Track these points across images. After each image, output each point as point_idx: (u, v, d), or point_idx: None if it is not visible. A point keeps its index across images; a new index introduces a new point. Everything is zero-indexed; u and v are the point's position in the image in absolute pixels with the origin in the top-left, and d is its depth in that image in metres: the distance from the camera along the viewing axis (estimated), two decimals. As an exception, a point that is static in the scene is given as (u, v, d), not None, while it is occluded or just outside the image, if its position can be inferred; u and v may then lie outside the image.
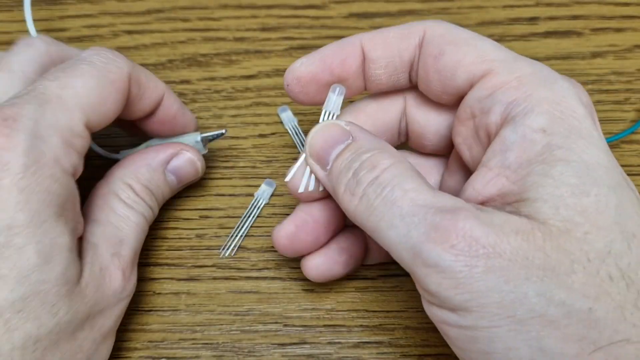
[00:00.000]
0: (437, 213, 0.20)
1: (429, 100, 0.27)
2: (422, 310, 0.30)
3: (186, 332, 0.29)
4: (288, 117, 0.35)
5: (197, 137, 0.31)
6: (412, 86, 0.27)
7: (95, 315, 0.25)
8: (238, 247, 0.31)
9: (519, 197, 0.21)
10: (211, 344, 0.29)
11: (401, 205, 0.21)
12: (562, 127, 0.21)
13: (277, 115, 0.36)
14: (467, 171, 0.26)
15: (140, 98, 0.28)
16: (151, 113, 0.30)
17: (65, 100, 0.24)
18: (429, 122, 0.27)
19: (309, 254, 0.28)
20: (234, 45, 0.38)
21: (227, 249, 0.31)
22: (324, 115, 0.26)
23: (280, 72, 0.37)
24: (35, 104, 0.23)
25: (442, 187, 0.28)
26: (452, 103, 0.25)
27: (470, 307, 0.20)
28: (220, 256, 0.31)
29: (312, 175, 0.26)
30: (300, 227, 0.27)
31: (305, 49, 0.38)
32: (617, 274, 0.19)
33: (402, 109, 0.28)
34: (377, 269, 0.31)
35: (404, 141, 0.29)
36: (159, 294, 0.30)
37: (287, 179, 0.26)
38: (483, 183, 0.22)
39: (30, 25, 0.34)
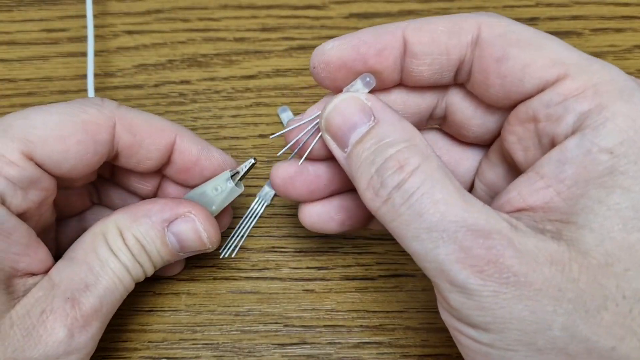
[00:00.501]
0: (468, 234, 0.19)
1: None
2: (423, 311, 0.30)
3: (186, 332, 0.29)
4: (288, 118, 0.35)
5: (227, 175, 0.27)
6: (455, 84, 0.24)
7: None
8: (239, 248, 0.31)
9: (565, 217, 0.20)
10: (211, 344, 0.29)
11: (430, 218, 0.20)
12: (632, 150, 0.19)
13: (277, 115, 0.36)
14: (510, 167, 0.24)
15: (139, 146, 0.26)
16: (167, 161, 0.27)
17: (11, 128, 0.23)
18: (476, 115, 0.24)
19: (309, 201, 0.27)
20: (234, 46, 0.38)
21: (228, 250, 0.31)
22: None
23: (280, 72, 0.37)
24: None
25: (479, 177, 0.26)
26: (511, 106, 0.23)
27: (490, 328, 0.20)
28: (221, 257, 0.31)
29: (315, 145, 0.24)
30: (299, 174, 0.25)
31: (305, 49, 0.38)
32: None
33: (441, 96, 0.25)
34: (377, 269, 0.31)
35: (436, 125, 0.27)
36: (159, 294, 0.30)
37: (273, 136, 0.25)
38: (530, 190, 0.21)
39: (90, 85, 0.34)
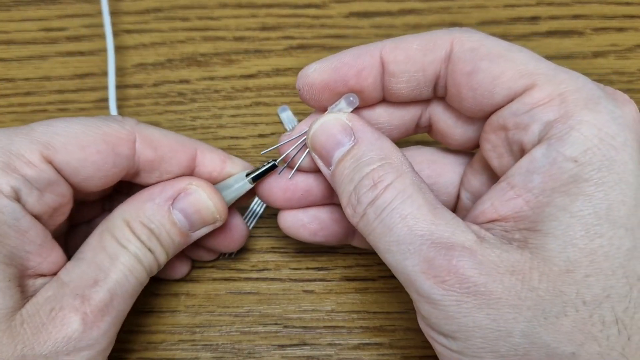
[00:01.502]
0: (432, 247, 0.20)
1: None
2: (423, 312, 0.30)
3: (186, 333, 0.29)
4: (288, 117, 0.35)
5: (242, 175, 0.27)
6: (436, 97, 0.25)
7: None
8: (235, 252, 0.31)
9: (532, 225, 0.21)
10: (211, 345, 0.29)
11: (398, 232, 0.21)
12: (597, 158, 0.20)
13: (277, 115, 0.35)
14: (492, 174, 0.25)
15: (160, 161, 0.26)
16: (189, 173, 0.27)
17: (34, 132, 0.23)
18: (457, 124, 0.26)
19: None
20: (234, 45, 0.38)
21: (225, 254, 0.31)
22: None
23: (280, 71, 0.37)
24: (4, 131, 0.23)
25: (464, 185, 0.27)
26: (485, 117, 0.24)
27: (457, 337, 0.21)
28: (221, 258, 0.31)
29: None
30: (274, 183, 0.27)
31: (305, 48, 0.38)
32: (610, 319, 0.19)
33: (424, 108, 0.26)
34: (378, 270, 0.31)
35: (425, 132, 0.28)
36: (158, 294, 0.30)
37: (264, 152, 0.27)
38: (502, 201, 0.22)
39: (112, 104, 0.34)
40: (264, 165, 0.26)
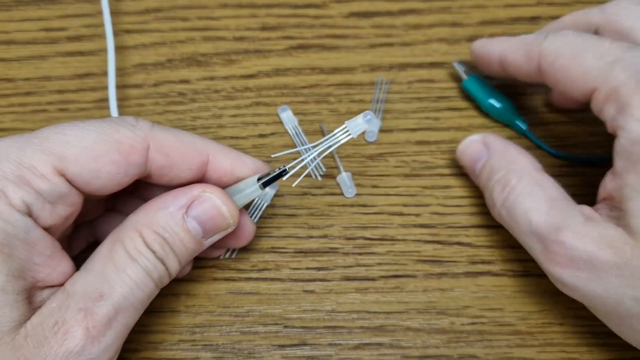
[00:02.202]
0: (546, 234, 0.25)
1: None
2: (424, 312, 0.30)
3: (186, 333, 0.29)
4: (288, 117, 0.35)
5: (254, 180, 0.27)
6: None
7: None
8: (239, 249, 0.31)
9: (619, 205, 0.24)
10: (211, 345, 0.29)
11: (522, 224, 0.26)
12: None
13: (277, 115, 0.35)
14: None
15: (172, 167, 0.25)
16: (200, 176, 0.27)
17: (46, 142, 0.23)
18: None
19: None
20: (234, 45, 0.38)
21: (228, 251, 0.31)
22: (342, 129, 0.26)
23: (280, 71, 0.37)
24: (15, 141, 0.23)
25: None
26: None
27: (590, 306, 0.26)
28: (221, 257, 0.31)
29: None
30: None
31: (305, 48, 0.38)
32: None
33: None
34: (378, 270, 0.31)
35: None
36: (158, 294, 0.30)
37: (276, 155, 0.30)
38: (605, 182, 0.26)
39: (113, 104, 0.34)
40: (275, 172, 0.26)
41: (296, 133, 0.35)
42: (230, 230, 0.26)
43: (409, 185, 0.33)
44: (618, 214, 0.24)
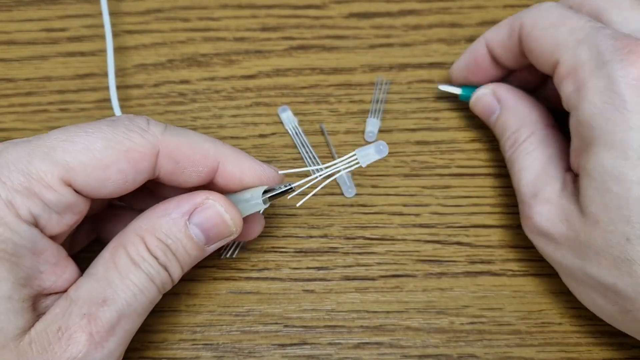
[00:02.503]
0: (527, 196, 0.28)
1: None
2: (423, 311, 0.30)
3: (186, 332, 0.29)
4: (288, 117, 0.35)
5: (261, 190, 0.26)
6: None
7: None
8: (239, 249, 0.31)
9: (578, 182, 0.26)
10: (211, 344, 0.29)
11: (515, 183, 0.29)
12: (602, 120, 0.24)
13: (277, 115, 0.35)
14: None
15: (180, 173, 0.25)
16: (208, 180, 0.26)
17: (54, 151, 0.23)
18: None
19: None
20: (234, 45, 0.38)
21: (229, 250, 0.31)
22: (351, 156, 0.26)
23: (280, 72, 0.37)
24: (22, 148, 0.23)
25: None
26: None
27: (553, 265, 0.28)
28: (222, 257, 0.31)
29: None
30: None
31: (306, 48, 0.38)
32: (635, 257, 0.24)
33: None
34: (378, 270, 0.31)
35: None
36: (158, 294, 0.30)
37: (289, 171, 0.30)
38: (572, 156, 0.27)
39: (115, 104, 0.34)
40: (281, 188, 0.26)
41: (296, 133, 0.35)
42: (233, 237, 0.26)
43: (408, 185, 0.33)
44: (578, 190, 0.26)
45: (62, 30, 0.38)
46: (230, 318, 0.30)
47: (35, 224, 0.22)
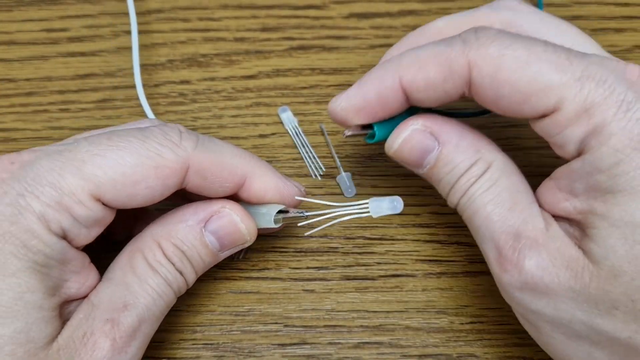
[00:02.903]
0: (502, 235, 0.23)
1: None
2: (423, 311, 0.30)
3: (186, 332, 0.29)
4: (288, 118, 0.35)
5: (277, 209, 0.27)
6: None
7: None
8: (247, 250, 0.31)
9: (582, 228, 0.22)
10: (211, 344, 0.29)
11: (478, 220, 0.24)
12: (630, 167, 0.20)
13: (277, 115, 0.36)
14: None
15: (207, 188, 0.25)
16: (232, 193, 0.26)
17: (84, 166, 0.23)
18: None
19: None
20: (234, 46, 0.38)
21: (241, 253, 0.31)
22: (363, 204, 0.26)
23: (280, 72, 0.37)
24: (54, 160, 0.23)
25: None
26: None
27: (527, 319, 0.24)
28: (234, 259, 0.31)
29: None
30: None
31: (306, 48, 0.38)
32: None
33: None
34: (378, 269, 0.31)
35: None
36: (159, 294, 0.30)
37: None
38: (554, 201, 0.23)
39: (146, 107, 0.34)
40: (295, 213, 0.27)
41: (296, 133, 0.35)
42: (247, 245, 0.27)
43: (408, 185, 0.33)
44: (579, 234, 0.22)
45: (63, 30, 0.38)
46: (231, 318, 0.30)
47: (65, 237, 0.23)
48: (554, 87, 0.21)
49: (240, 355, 0.29)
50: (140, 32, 0.38)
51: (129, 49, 0.38)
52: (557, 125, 0.22)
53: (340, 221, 0.26)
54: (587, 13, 0.39)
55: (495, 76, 0.22)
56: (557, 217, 0.23)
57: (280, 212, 0.27)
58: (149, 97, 0.36)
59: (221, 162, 0.25)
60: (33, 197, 0.22)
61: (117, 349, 0.23)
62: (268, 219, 0.27)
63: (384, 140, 0.26)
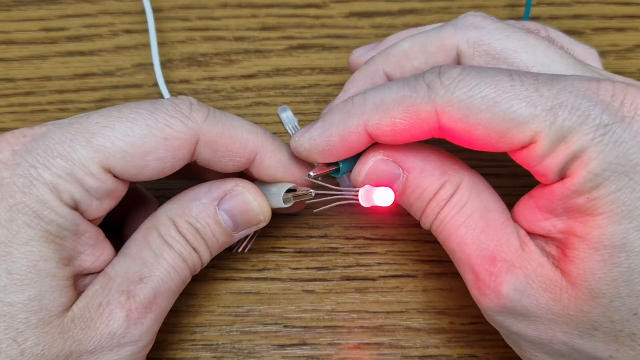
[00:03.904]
0: (477, 258, 0.23)
1: None
2: (423, 312, 0.30)
3: (186, 332, 0.29)
4: (288, 117, 0.35)
5: (286, 187, 0.26)
6: None
7: (83, 356, 0.23)
8: (253, 241, 0.31)
9: (561, 248, 0.22)
10: (211, 344, 0.29)
11: (452, 242, 0.24)
12: (609, 190, 0.20)
13: (277, 115, 0.35)
14: None
15: (217, 161, 0.25)
16: (244, 168, 0.27)
17: (95, 138, 0.23)
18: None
19: None
20: (234, 45, 0.38)
21: (241, 245, 0.31)
22: (354, 191, 0.26)
23: (280, 71, 0.37)
24: (64, 133, 0.23)
25: None
26: None
27: (509, 339, 0.24)
28: (234, 251, 0.31)
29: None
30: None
31: (305, 48, 0.38)
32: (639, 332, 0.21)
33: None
34: (378, 270, 0.31)
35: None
36: (158, 294, 0.30)
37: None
38: (533, 219, 0.23)
39: (163, 88, 0.34)
40: (302, 191, 0.27)
41: (296, 133, 0.35)
42: (261, 225, 0.27)
43: (408, 185, 0.33)
44: (557, 254, 0.22)
45: (62, 29, 0.38)
46: (230, 318, 0.30)
47: (76, 208, 0.23)
48: (527, 122, 0.21)
49: (240, 355, 0.29)
50: (139, 32, 0.38)
51: (128, 48, 0.38)
52: (536, 156, 0.22)
53: (346, 203, 0.26)
54: (588, 12, 0.39)
55: (467, 120, 0.22)
56: (533, 235, 0.23)
57: (289, 191, 0.27)
58: (148, 96, 0.36)
59: (232, 135, 0.25)
60: (44, 168, 0.22)
61: (132, 320, 0.23)
62: (278, 198, 0.26)
63: (350, 171, 0.26)
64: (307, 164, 0.27)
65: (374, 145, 0.25)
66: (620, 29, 0.38)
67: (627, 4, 0.39)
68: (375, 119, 0.23)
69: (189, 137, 0.24)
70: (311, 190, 0.27)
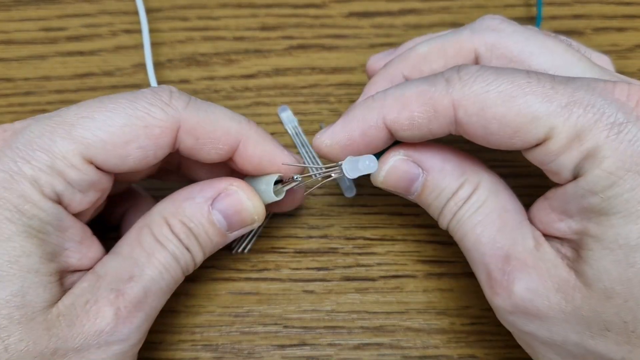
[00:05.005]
0: (492, 258, 0.23)
1: None
2: (423, 312, 0.30)
3: (185, 333, 0.29)
4: (288, 117, 0.35)
5: (274, 178, 0.26)
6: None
7: (70, 354, 0.22)
8: (252, 243, 0.31)
9: (576, 249, 0.22)
10: (210, 345, 0.29)
11: (468, 241, 0.24)
12: (624, 189, 0.20)
13: (277, 115, 0.35)
14: None
15: (200, 149, 0.25)
16: (228, 158, 0.26)
17: (74, 129, 0.23)
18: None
19: None
20: (234, 45, 0.38)
21: (241, 245, 0.31)
22: (336, 166, 0.25)
23: (280, 71, 0.37)
24: (44, 126, 0.23)
25: None
26: None
27: (522, 340, 0.24)
28: (233, 252, 0.31)
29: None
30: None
31: (305, 48, 0.37)
32: None
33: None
34: (378, 270, 0.31)
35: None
36: (158, 295, 0.30)
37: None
38: (547, 221, 0.23)
39: (152, 76, 0.34)
40: (293, 181, 0.27)
41: (296, 133, 0.35)
42: (255, 225, 0.27)
43: (408, 185, 0.33)
44: (572, 255, 0.22)
45: (61, 29, 0.38)
46: (230, 319, 0.30)
47: (59, 202, 0.23)
48: (542, 118, 0.21)
49: (240, 356, 0.29)
50: (139, 31, 0.38)
51: (128, 48, 0.37)
52: (550, 153, 0.22)
53: (330, 180, 0.26)
54: (588, 12, 0.39)
55: (482, 114, 0.22)
56: (549, 237, 0.23)
57: (277, 183, 0.26)
58: (147, 96, 0.36)
59: (213, 122, 0.25)
60: (25, 162, 0.22)
61: (121, 319, 0.23)
62: (269, 192, 0.26)
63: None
64: (292, 155, 0.27)
65: (394, 145, 0.25)
66: (620, 29, 0.38)
67: (627, 4, 0.39)
68: (394, 112, 0.23)
69: (169, 124, 0.24)
70: (297, 175, 0.26)
